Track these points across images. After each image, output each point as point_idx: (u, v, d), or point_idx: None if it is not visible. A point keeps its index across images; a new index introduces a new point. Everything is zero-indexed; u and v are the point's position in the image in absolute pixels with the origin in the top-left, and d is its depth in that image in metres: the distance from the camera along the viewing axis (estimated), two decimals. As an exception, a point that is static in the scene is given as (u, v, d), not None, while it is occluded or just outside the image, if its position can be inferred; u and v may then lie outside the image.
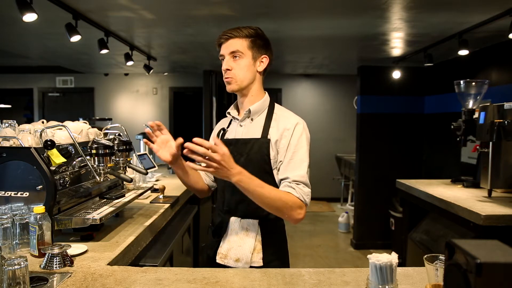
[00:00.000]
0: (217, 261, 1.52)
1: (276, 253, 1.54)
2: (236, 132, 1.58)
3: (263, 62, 1.56)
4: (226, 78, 1.55)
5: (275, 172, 1.49)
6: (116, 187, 2.21)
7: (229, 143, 1.53)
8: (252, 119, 1.57)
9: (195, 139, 1.25)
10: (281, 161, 1.48)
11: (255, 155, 1.48)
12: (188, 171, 1.58)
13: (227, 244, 1.51)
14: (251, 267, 1.47)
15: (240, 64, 1.53)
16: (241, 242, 1.49)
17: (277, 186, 1.47)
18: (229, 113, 1.64)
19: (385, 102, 5.04)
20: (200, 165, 1.33)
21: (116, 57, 4.75)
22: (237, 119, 1.60)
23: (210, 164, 1.26)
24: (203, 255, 1.70)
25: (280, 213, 1.42)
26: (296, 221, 1.41)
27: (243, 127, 1.57)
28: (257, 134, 1.53)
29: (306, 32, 3.49)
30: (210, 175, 1.70)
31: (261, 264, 1.48)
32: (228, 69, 1.53)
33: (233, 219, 1.53)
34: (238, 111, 1.63)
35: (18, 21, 2.69)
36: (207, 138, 1.68)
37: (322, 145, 7.09)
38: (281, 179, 1.46)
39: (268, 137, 1.50)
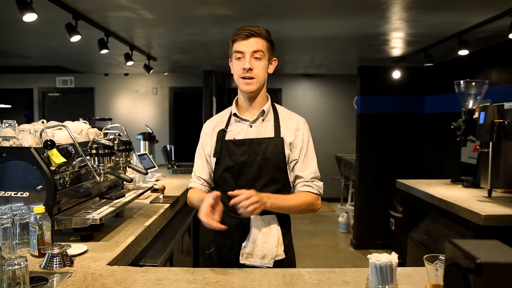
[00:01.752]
0: (242, 261, 1.49)
1: (289, 243, 1.62)
2: (246, 132, 1.56)
3: (272, 64, 1.58)
4: (246, 78, 1.50)
5: (288, 169, 1.57)
6: (116, 187, 2.21)
7: (241, 143, 1.54)
8: (263, 120, 1.58)
9: (231, 193, 1.36)
10: (295, 159, 1.57)
11: (271, 154, 1.52)
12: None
13: (252, 243, 1.50)
14: (275, 261, 1.49)
15: (261, 64, 1.51)
16: (266, 238, 1.50)
17: (289, 181, 1.58)
18: (238, 116, 1.59)
19: (385, 102, 5.04)
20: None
21: (116, 57, 4.75)
22: (246, 120, 1.58)
23: (251, 207, 1.34)
24: (213, 261, 1.62)
25: (304, 212, 1.57)
26: (316, 211, 1.59)
27: (253, 128, 1.57)
28: (269, 133, 1.56)
29: (306, 32, 3.48)
30: (209, 185, 1.68)
31: (284, 256, 1.52)
32: (251, 69, 1.49)
33: (254, 218, 1.52)
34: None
35: (18, 21, 2.69)
36: None
37: (322, 145, 7.08)
38: (297, 176, 1.58)
39: (281, 136, 1.55)
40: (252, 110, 1.59)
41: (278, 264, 1.49)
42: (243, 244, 1.51)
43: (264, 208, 1.40)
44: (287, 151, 1.55)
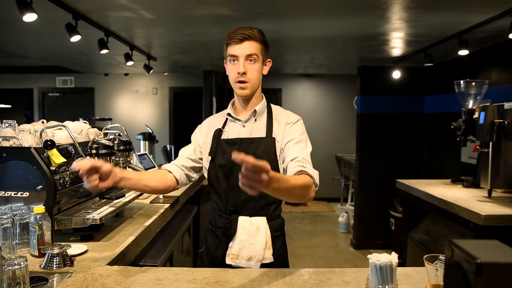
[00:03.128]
0: (228, 262, 1.49)
1: (281, 247, 1.59)
2: (239, 132, 1.57)
3: (267, 65, 1.59)
4: (240, 82, 1.50)
5: (281, 170, 1.53)
6: (116, 187, 2.21)
7: (233, 142, 1.54)
8: (255, 120, 1.58)
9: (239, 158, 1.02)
10: (282, 148, 1.51)
11: (262, 154, 1.51)
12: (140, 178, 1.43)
13: (239, 244, 1.49)
14: (262, 264, 1.48)
15: (254, 68, 1.51)
16: (253, 240, 1.49)
17: None
18: (231, 115, 1.60)
19: (385, 102, 5.04)
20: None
21: (116, 57, 4.75)
22: (240, 120, 1.59)
23: (256, 185, 1.04)
24: (204, 260, 1.64)
25: (298, 198, 1.37)
26: (310, 199, 1.37)
27: (246, 127, 1.57)
28: (261, 133, 1.55)
29: (306, 32, 3.48)
30: (192, 173, 1.60)
31: (272, 260, 1.50)
32: (245, 72, 1.49)
33: (242, 219, 1.51)
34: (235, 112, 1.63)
35: (18, 21, 2.69)
36: None
37: (322, 145, 7.09)
38: (291, 160, 1.45)
39: (273, 135, 1.54)
40: (246, 110, 1.60)
41: (266, 267, 1.46)
42: (230, 245, 1.51)
43: (262, 191, 1.09)
44: (278, 151, 1.54)
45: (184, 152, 1.63)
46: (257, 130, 1.57)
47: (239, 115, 1.61)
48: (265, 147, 1.52)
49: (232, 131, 1.59)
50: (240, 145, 1.53)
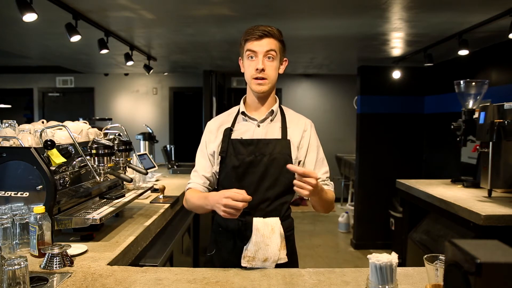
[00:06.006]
0: (243, 264, 1.45)
1: (293, 246, 1.60)
2: (254, 132, 1.55)
3: (283, 64, 1.58)
4: (258, 78, 1.49)
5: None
6: (116, 187, 2.21)
7: (248, 143, 1.52)
8: (271, 120, 1.58)
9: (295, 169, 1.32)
10: (301, 160, 1.58)
11: (279, 155, 1.51)
12: None
13: (254, 246, 1.46)
14: (277, 264, 1.47)
15: (273, 65, 1.50)
16: (268, 241, 1.47)
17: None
18: (245, 114, 1.58)
19: (385, 102, 5.04)
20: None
21: (116, 57, 4.75)
22: (254, 120, 1.57)
23: (306, 186, 1.30)
24: (214, 264, 1.52)
25: (328, 209, 1.56)
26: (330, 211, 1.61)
27: (261, 127, 1.56)
28: (276, 134, 1.55)
29: (306, 32, 3.48)
30: (210, 184, 1.64)
31: (286, 260, 1.49)
32: (263, 69, 1.48)
33: (256, 220, 1.49)
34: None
35: (18, 21, 2.69)
36: None
37: (322, 145, 7.06)
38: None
39: (288, 137, 1.55)
40: (261, 110, 1.58)
41: (280, 267, 1.46)
42: (245, 247, 1.47)
43: (314, 194, 1.38)
44: (294, 153, 1.54)
45: (201, 171, 1.61)
46: (272, 131, 1.56)
47: (252, 113, 1.59)
48: (281, 149, 1.52)
49: (246, 131, 1.56)
50: (257, 146, 1.52)
